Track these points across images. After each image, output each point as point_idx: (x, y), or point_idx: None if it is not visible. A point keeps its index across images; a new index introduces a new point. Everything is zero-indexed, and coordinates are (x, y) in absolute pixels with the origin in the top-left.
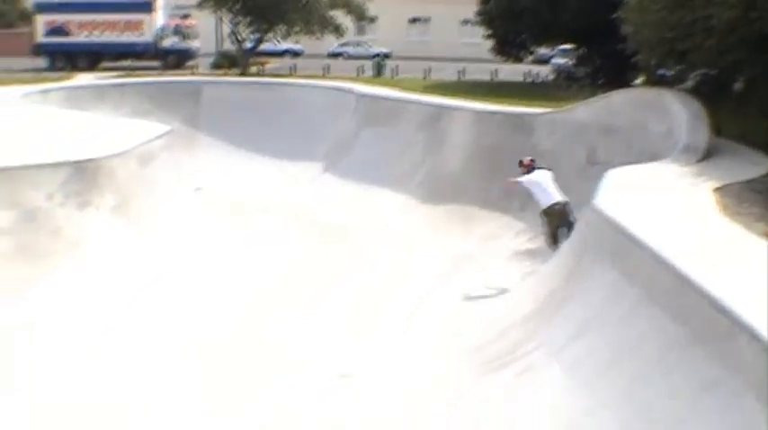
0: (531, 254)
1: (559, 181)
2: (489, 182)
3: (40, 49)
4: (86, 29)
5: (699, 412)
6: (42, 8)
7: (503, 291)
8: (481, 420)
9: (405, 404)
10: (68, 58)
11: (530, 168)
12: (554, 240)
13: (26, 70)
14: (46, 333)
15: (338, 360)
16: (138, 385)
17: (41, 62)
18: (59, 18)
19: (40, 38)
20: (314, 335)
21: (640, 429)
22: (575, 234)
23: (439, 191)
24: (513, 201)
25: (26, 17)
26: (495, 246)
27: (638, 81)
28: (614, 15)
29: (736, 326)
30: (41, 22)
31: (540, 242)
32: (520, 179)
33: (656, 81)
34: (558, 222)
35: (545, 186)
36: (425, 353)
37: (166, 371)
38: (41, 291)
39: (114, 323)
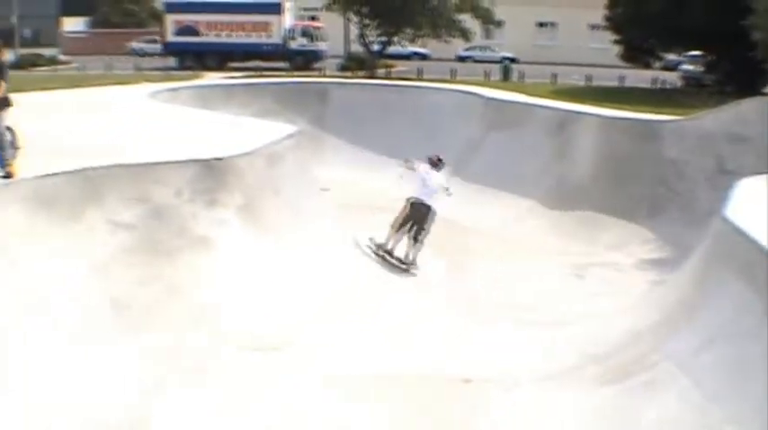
0: (658, 263)
1: (686, 190)
2: (616, 189)
3: (169, 49)
4: (215, 29)
5: None
6: (172, 8)
7: (629, 300)
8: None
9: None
10: (197, 57)
11: (433, 164)
12: (399, 227)
13: (156, 69)
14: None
15: (463, 364)
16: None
17: (171, 61)
18: (188, 18)
19: (170, 37)
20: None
21: None
22: (705, 244)
23: (565, 197)
24: (642, 208)
25: (156, 17)
26: (622, 254)
27: None
28: (744, 21)
29: None
30: (171, 21)
31: (667, 251)
32: (418, 164)
33: None
34: (413, 218)
35: (429, 184)
36: (551, 357)
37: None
38: (165, 286)
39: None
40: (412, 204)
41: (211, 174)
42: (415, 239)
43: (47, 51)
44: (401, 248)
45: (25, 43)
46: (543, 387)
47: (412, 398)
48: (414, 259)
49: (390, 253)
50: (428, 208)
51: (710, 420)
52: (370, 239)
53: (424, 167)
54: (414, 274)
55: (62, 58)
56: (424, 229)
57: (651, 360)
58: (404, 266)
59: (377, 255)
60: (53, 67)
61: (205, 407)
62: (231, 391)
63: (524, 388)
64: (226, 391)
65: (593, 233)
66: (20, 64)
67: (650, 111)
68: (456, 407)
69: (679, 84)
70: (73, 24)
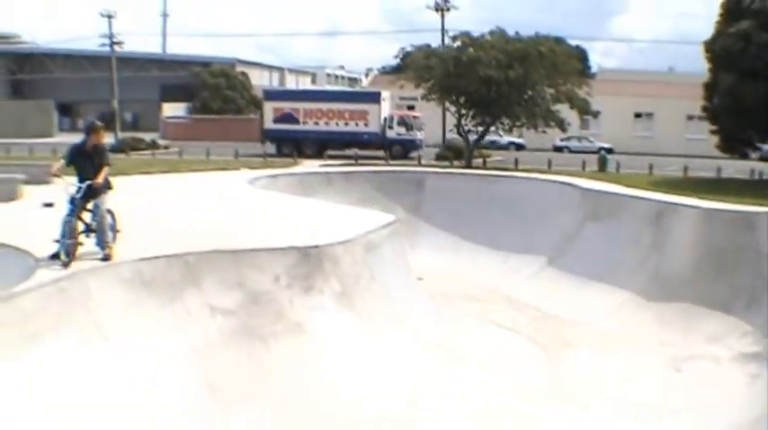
0: (757, 356)
1: None
2: (714, 281)
3: (268, 135)
4: (314, 117)
5: None
6: (271, 96)
7: (729, 394)
8: None
9: None
10: (295, 145)
11: None
12: None
13: (255, 155)
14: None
15: None
16: None
17: (270, 148)
18: (287, 105)
19: (269, 124)
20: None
21: None
22: None
23: (662, 288)
24: (740, 300)
25: (256, 104)
26: (720, 347)
27: None
28: None
29: None
30: (270, 109)
31: (765, 345)
32: None
33: None
34: None
35: None
36: None
37: None
38: (261, 371)
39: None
40: None
41: (308, 261)
42: None
43: (147, 136)
44: None
45: (126, 127)
46: None
47: None
48: None
49: None
50: None
51: None
52: None
53: None
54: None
55: (162, 142)
56: None
57: None
58: None
59: None
60: (153, 151)
61: None
62: None
63: None
64: None
65: (690, 325)
66: (120, 147)
67: (748, 203)
68: None
69: None
70: (173, 110)
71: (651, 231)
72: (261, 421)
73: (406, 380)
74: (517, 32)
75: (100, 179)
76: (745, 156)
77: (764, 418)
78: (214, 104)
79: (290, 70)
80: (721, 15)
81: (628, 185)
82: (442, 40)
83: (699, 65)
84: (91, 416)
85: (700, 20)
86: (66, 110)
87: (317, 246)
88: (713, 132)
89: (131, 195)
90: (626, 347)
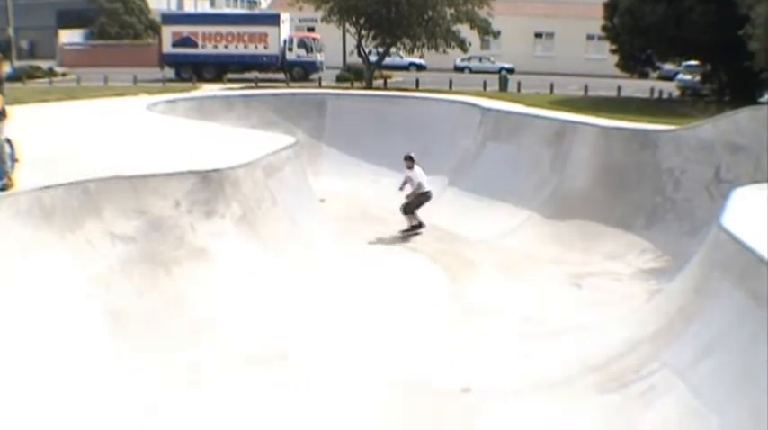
0: (655, 272)
1: (683, 198)
2: (614, 199)
3: (166, 60)
4: (213, 40)
5: None
6: (169, 20)
7: (627, 309)
8: None
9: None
10: (195, 69)
11: (411, 161)
12: (411, 211)
13: (154, 80)
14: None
15: (462, 374)
16: None
17: (169, 72)
18: (186, 29)
19: (167, 49)
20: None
21: None
22: (703, 253)
23: (562, 207)
24: (639, 218)
25: (154, 28)
26: (620, 264)
27: (766, 98)
28: (741, 31)
29: None
30: (168, 33)
31: (665, 261)
32: (408, 174)
33: None
34: (424, 202)
35: (424, 177)
36: (550, 367)
37: None
38: (164, 299)
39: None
40: (424, 193)
41: (209, 185)
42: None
43: (44, 63)
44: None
45: (22, 55)
46: (541, 396)
47: (410, 406)
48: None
49: (417, 227)
50: (429, 192)
51: (709, 428)
52: (401, 232)
53: (414, 170)
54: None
55: (59, 70)
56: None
57: (649, 368)
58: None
59: (405, 235)
60: (50, 78)
61: (203, 420)
62: (229, 404)
63: (522, 397)
64: (224, 404)
65: (591, 243)
66: (16, 76)
67: (648, 121)
68: (453, 416)
69: (676, 93)
70: (70, 37)
71: (551, 150)
72: (166, 348)
73: (311, 303)
74: None
75: None
76: (644, 76)
77: (663, 331)
78: (111, 30)
79: None
80: None
81: (528, 105)
82: None
83: None
84: None
85: None
86: None
87: (217, 170)
88: (613, 52)
89: (29, 124)
90: (527, 266)
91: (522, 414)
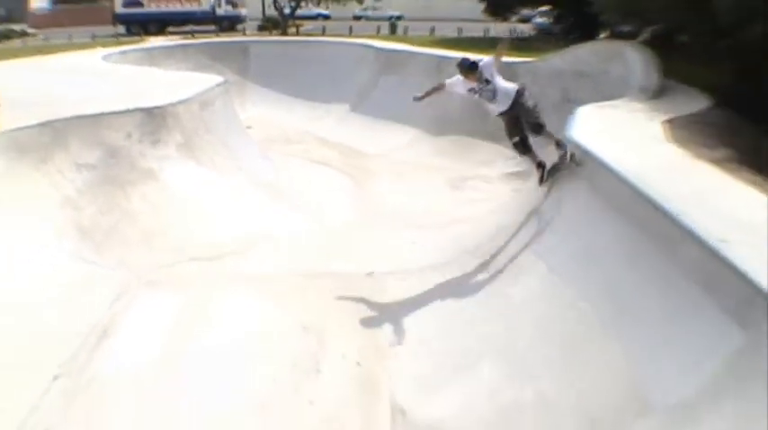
0: (517, 175)
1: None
2: (484, 117)
3: (118, 19)
4: (156, 1)
5: (652, 297)
6: None
7: (496, 204)
8: (477, 305)
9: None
10: (142, 25)
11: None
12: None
13: (107, 36)
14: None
15: (367, 262)
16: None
17: (121, 29)
18: None
19: (119, 9)
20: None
21: (615, 318)
22: (553, 158)
23: (443, 126)
24: (503, 131)
25: None
26: (491, 169)
27: (603, 36)
28: None
29: (685, 232)
30: None
31: (524, 165)
32: (453, 83)
33: (616, 35)
34: (510, 127)
35: (492, 90)
36: (437, 252)
37: None
38: (122, 211)
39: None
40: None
41: (154, 119)
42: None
43: (17, 26)
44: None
45: (0, 20)
46: (430, 275)
47: (324, 288)
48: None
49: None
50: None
51: (566, 297)
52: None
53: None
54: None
55: (30, 31)
56: (532, 123)
57: (516, 251)
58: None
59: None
60: (23, 39)
61: (160, 307)
62: (179, 294)
63: (415, 277)
64: (175, 294)
65: (466, 153)
66: None
67: (510, 55)
68: (362, 293)
69: (533, 33)
70: (39, 2)
71: (433, 80)
72: (128, 252)
73: (244, 216)
74: None
75: None
76: (506, 19)
77: (526, 221)
78: None
79: None
80: None
81: (413, 44)
82: None
83: None
84: None
85: None
86: None
87: (159, 107)
88: (481, 1)
89: (3, 76)
90: (416, 173)
91: (414, 289)
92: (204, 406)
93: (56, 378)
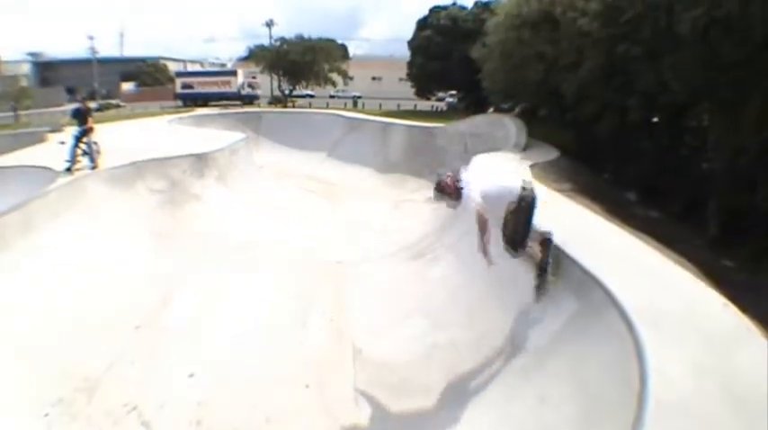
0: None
1: (449, 160)
2: (413, 161)
3: (178, 96)
4: (201, 85)
5: (522, 276)
6: (179, 75)
7: (422, 218)
8: (409, 281)
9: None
10: (193, 100)
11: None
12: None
13: (171, 107)
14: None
15: (338, 254)
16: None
17: (179, 103)
18: (188, 80)
19: (178, 90)
20: (323, 238)
21: (498, 291)
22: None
23: (388, 166)
24: (426, 171)
25: (171, 80)
26: (418, 195)
27: (491, 110)
28: (477, 76)
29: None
30: (179, 82)
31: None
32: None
33: (499, 110)
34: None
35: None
36: (383, 248)
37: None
38: (178, 221)
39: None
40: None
41: (200, 160)
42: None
43: (113, 101)
44: None
45: (103, 96)
46: (378, 262)
47: (309, 269)
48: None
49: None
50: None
51: (464, 276)
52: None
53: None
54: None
55: (122, 104)
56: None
57: (434, 246)
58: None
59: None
60: (117, 109)
61: (203, 283)
62: (219, 276)
63: (368, 263)
64: (218, 275)
65: (402, 184)
66: (99, 108)
67: (430, 122)
68: (331, 273)
69: (445, 108)
70: (127, 86)
71: (381, 136)
72: (185, 247)
73: (256, 223)
74: (309, 37)
75: (89, 125)
76: (428, 98)
77: (440, 228)
78: (149, 81)
79: (189, 61)
80: (417, 25)
81: (368, 114)
82: (270, 42)
83: (406, 52)
84: (94, 248)
85: (409, 26)
86: (69, 90)
87: (204, 153)
88: (413, 86)
89: (106, 134)
90: (370, 197)
91: (369, 271)
92: (226, 345)
93: (137, 328)
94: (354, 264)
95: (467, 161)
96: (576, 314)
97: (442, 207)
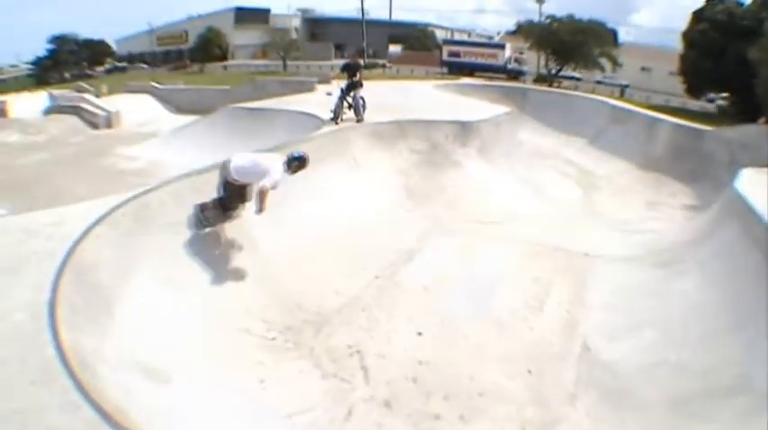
0: (692, 207)
1: (713, 169)
2: (675, 163)
3: (444, 64)
4: (468, 55)
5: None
6: (446, 43)
7: (675, 225)
8: (651, 289)
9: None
10: (459, 69)
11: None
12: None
13: (436, 73)
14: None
15: (587, 246)
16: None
17: (445, 70)
18: (454, 48)
19: (445, 57)
20: (572, 227)
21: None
22: (720, 200)
23: (648, 164)
24: (687, 176)
25: (438, 47)
26: (674, 200)
27: (761, 120)
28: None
29: None
30: (445, 50)
31: (699, 202)
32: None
33: None
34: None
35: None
36: (630, 250)
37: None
38: (434, 183)
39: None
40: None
41: (464, 128)
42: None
43: (380, 61)
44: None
45: (370, 56)
46: (625, 263)
47: (554, 256)
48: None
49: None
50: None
51: (708, 298)
52: None
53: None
54: None
55: (387, 65)
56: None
57: (684, 258)
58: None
59: None
60: (383, 69)
61: (446, 246)
62: (459, 239)
63: (616, 262)
64: (457, 239)
65: (659, 186)
66: (366, 66)
67: (701, 123)
68: (575, 265)
69: (715, 111)
70: (394, 48)
71: (646, 131)
72: (435, 210)
73: (507, 200)
74: (581, 18)
75: (358, 80)
76: (698, 98)
77: (693, 239)
78: (416, 45)
79: (457, 30)
80: (693, 16)
81: (634, 105)
82: (539, 19)
83: (676, 43)
84: (351, 197)
85: (681, 16)
86: (338, 47)
87: (469, 121)
88: (683, 82)
89: (371, 91)
90: (624, 192)
91: (614, 269)
92: (458, 314)
93: (376, 277)
94: (600, 259)
95: (732, 172)
96: None
97: (698, 217)
